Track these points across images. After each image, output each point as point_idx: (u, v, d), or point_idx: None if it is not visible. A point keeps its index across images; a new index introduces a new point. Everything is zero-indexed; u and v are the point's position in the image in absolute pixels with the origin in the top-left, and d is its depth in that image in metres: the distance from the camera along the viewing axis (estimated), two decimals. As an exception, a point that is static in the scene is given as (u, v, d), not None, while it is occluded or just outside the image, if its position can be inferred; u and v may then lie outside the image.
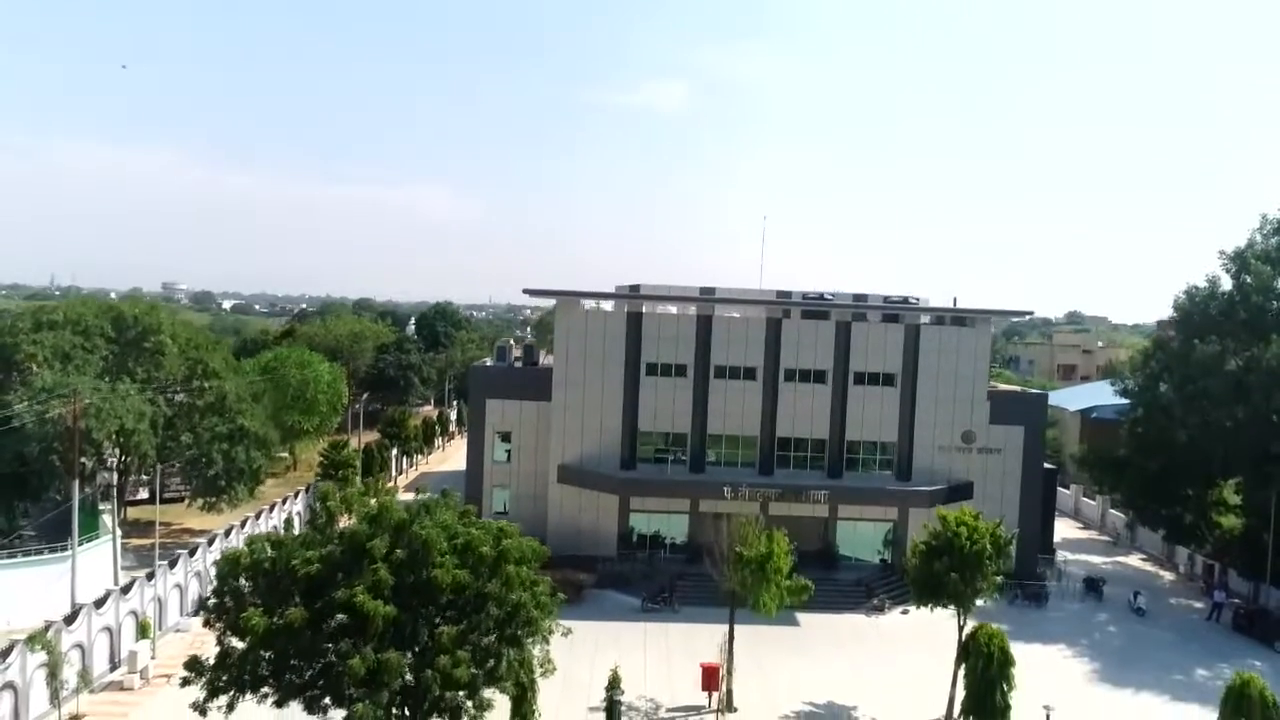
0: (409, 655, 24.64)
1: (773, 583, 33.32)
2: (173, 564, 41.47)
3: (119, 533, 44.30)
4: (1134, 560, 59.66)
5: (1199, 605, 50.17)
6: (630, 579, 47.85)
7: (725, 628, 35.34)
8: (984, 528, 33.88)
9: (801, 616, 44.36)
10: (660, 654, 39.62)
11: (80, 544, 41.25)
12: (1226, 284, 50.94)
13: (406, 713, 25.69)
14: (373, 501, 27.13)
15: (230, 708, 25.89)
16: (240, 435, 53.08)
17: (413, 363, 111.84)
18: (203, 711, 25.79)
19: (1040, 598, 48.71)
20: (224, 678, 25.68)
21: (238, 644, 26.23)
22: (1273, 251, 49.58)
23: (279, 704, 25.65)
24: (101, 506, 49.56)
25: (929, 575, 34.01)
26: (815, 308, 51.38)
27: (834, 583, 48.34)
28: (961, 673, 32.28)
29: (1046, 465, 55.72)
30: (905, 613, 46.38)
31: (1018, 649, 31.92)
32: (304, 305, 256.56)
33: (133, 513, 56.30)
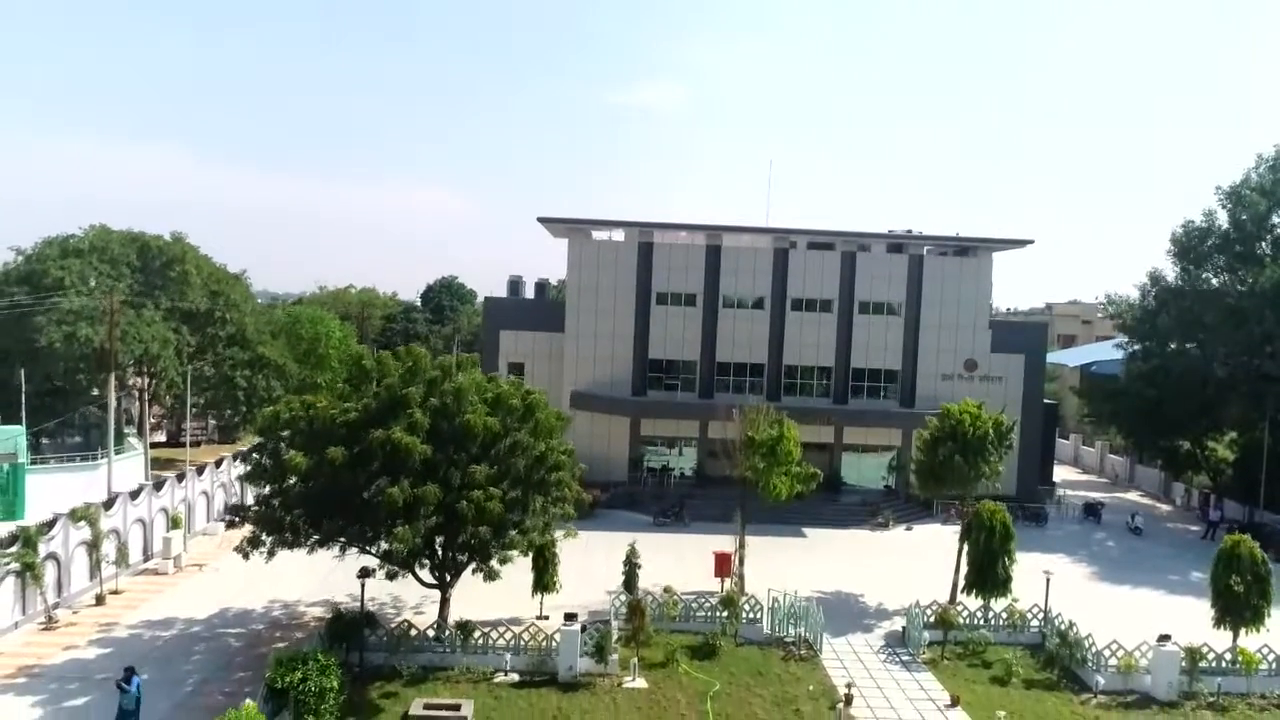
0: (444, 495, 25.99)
1: (783, 467, 34.55)
2: (200, 470, 42.81)
3: (147, 447, 45.65)
4: (1132, 495, 61.01)
5: (1194, 529, 51.54)
6: (641, 499, 49.20)
7: (735, 539, 36.41)
8: (987, 415, 35.24)
9: (808, 530, 45.87)
10: (673, 557, 40.70)
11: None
12: (1223, 220, 52.25)
13: (439, 546, 27.09)
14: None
15: (271, 554, 27.25)
16: (260, 364, 54.40)
17: (420, 332, 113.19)
18: (246, 555, 27.21)
19: (1040, 518, 50.02)
20: (265, 531, 27.06)
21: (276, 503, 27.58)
22: (1267, 185, 50.94)
23: (320, 544, 26.95)
24: (126, 430, 50.90)
25: (933, 463, 35.28)
26: (821, 239, 52.76)
27: (839, 504, 49.84)
28: (965, 550, 33.55)
29: (1046, 401, 57.10)
30: (909, 529, 47.82)
31: (1018, 558, 32.95)
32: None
33: (151, 453, 57.40)
